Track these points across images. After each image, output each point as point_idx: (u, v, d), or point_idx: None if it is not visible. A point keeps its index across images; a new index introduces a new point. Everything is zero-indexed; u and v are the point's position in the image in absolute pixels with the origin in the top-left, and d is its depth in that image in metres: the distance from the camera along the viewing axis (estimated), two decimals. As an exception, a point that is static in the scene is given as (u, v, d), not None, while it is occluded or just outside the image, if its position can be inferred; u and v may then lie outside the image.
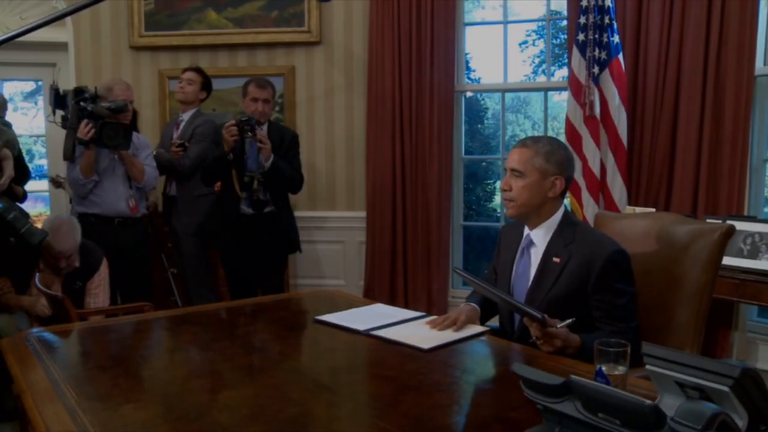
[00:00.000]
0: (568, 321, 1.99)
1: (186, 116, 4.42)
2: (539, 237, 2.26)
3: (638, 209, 3.93)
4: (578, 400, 1.28)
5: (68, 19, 5.27)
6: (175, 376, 1.99)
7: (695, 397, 1.32)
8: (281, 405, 1.64)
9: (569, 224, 2.24)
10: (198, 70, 4.51)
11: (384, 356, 1.99)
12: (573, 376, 1.28)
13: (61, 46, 5.37)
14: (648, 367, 1.39)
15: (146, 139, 4.29)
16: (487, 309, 2.44)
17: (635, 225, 2.49)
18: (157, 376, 1.98)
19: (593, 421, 1.25)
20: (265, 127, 4.01)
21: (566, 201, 4.31)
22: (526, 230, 2.31)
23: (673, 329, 2.28)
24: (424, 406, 1.60)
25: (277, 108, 5.32)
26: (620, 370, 1.53)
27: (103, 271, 3.65)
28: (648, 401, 1.17)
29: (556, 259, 2.20)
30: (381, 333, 2.19)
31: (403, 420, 1.52)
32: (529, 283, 2.26)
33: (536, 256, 2.27)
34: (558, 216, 2.25)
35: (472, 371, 1.89)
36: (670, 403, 1.35)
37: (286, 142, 4.07)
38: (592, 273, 2.13)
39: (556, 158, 2.21)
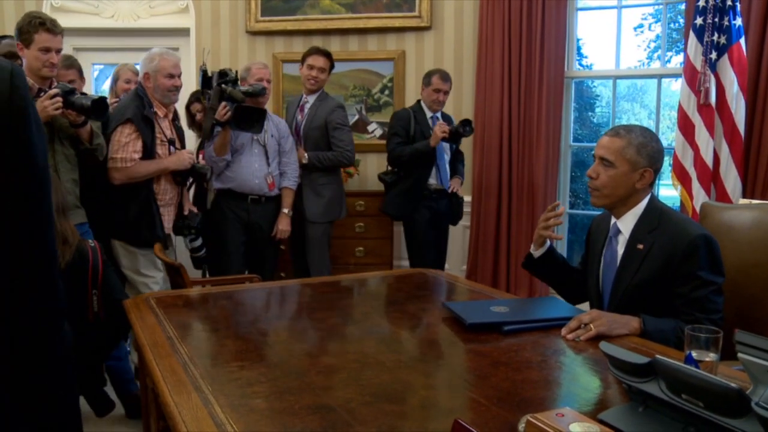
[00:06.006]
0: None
1: (311, 99, 4.39)
2: (625, 225, 2.27)
3: (754, 202, 3.77)
4: (663, 380, 1.30)
5: (191, 5, 5.58)
6: (278, 340, 2.13)
7: (790, 388, 1.31)
8: (376, 371, 1.74)
9: (654, 210, 2.22)
10: (327, 55, 4.37)
11: (479, 333, 2.05)
12: (658, 356, 1.30)
13: (184, 32, 5.68)
14: (740, 355, 1.38)
15: (286, 127, 4.36)
16: (572, 288, 2.51)
17: (743, 216, 2.43)
18: (261, 340, 2.12)
19: (677, 402, 1.27)
20: (439, 114, 4.63)
21: (677, 191, 4.23)
22: (613, 219, 2.31)
23: (778, 323, 2.22)
24: (513, 381, 1.66)
25: (386, 92, 5.44)
26: (711, 357, 1.52)
27: None
28: (733, 384, 1.18)
29: (639, 246, 2.20)
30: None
31: (491, 392, 1.59)
32: (615, 271, 2.27)
33: (622, 243, 2.27)
34: (643, 203, 2.24)
35: (563, 351, 1.92)
36: (762, 393, 1.34)
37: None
38: (674, 259, 2.11)
39: (647, 151, 2.19)
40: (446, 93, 4.54)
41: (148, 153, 3.64)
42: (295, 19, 5.50)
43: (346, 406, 1.49)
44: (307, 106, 4.39)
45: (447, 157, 4.62)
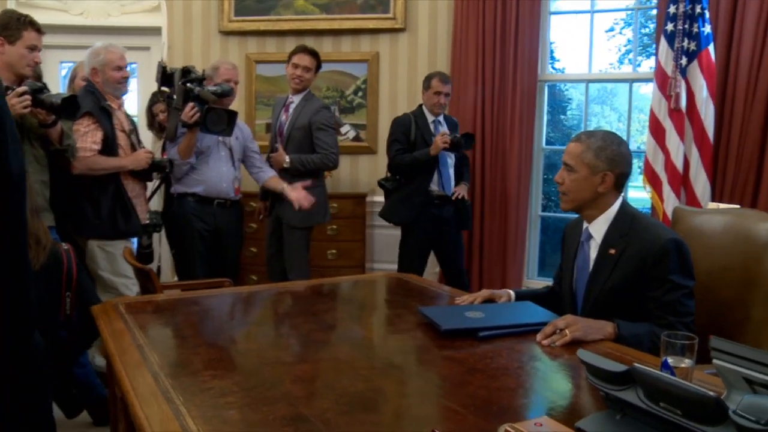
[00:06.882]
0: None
1: (297, 98, 4.24)
2: (597, 229, 2.29)
3: (722, 205, 3.82)
4: (640, 388, 1.30)
5: (163, 4, 5.51)
6: (252, 348, 2.10)
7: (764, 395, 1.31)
8: (351, 380, 1.71)
9: (626, 215, 2.25)
10: (313, 54, 4.24)
11: (454, 339, 2.04)
12: (636, 364, 1.30)
13: (155, 31, 5.59)
14: (715, 361, 1.39)
15: (249, 130, 4.31)
16: (554, 306, 2.46)
17: (714, 220, 2.45)
18: (234, 347, 2.09)
19: (655, 411, 1.27)
20: (442, 118, 4.59)
21: (648, 195, 4.27)
22: (585, 224, 2.33)
23: (749, 327, 2.25)
24: (489, 388, 1.65)
25: (360, 94, 5.42)
26: (687, 363, 1.53)
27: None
28: (710, 392, 1.18)
29: (611, 251, 2.22)
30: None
31: (468, 400, 1.57)
32: (588, 275, 2.29)
33: (594, 248, 2.29)
34: (615, 208, 2.27)
35: (539, 357, 1.91)
36: (737, 400, 1.34)
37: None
38: (646, 263, 2.13)
39: (606, 154, 2.22)
40: (447, 95, 4.51)
41: (110, 143, 3.59)
42: (269, 20, 5.45)
43: (322, 416, 1.47)
44: (293, 106, 4.25)
45: (451, 162, 4.57)
